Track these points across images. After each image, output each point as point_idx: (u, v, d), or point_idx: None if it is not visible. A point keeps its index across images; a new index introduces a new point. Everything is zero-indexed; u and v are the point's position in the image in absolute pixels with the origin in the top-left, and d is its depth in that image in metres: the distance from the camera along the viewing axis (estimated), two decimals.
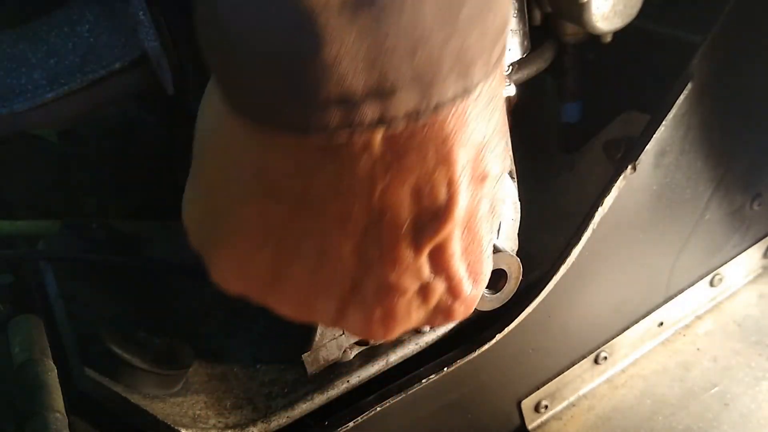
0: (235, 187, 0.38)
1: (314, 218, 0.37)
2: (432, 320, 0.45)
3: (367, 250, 0.38)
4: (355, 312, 0.41)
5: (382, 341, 0.43)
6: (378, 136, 0.33)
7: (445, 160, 0.35)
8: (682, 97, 0.75)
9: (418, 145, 0.34)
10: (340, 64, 0.30)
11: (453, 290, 0.42)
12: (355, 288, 0.40)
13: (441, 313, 0.44)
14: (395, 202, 0.36)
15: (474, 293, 0.43)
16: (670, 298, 0.92)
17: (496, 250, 0.58)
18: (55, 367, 0.57)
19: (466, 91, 0.33)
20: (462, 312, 0.44)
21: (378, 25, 0.29)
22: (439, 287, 0.42)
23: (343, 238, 0.37)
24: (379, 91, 0.31)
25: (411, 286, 0.41)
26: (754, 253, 0.98)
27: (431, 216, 0.37)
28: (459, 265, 0.41)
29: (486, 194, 0.39)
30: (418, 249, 0.39)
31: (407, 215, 0.37)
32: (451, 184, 0.37)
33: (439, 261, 0.40)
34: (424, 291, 0.42)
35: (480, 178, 0.38)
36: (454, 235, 0.39)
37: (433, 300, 0.42)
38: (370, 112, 0.31)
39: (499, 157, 0.39)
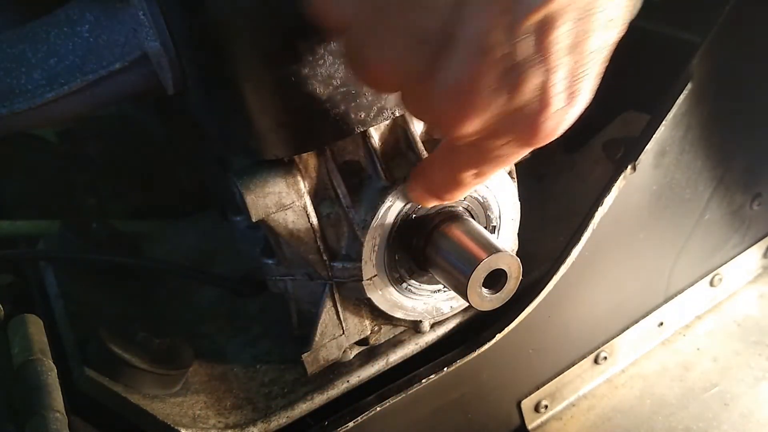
0: None
1: None
2: (509, 128, 0.39)
3: None
4: (438, 80, 0.38)
5: (448, 130, 0.39)
6: None
7: None
8: (682, 97, 0.75)
9: None
10: None
11: (544, 94, 0.38)
12: (446, 45, 0.37)
13: (522, 122, 0.39)
14: None
15: (564, 112, 0.39)
16: (670, 298, 0.92)
17: (496, 249, 0.58)
18: (55, 367, 0.57)
19: None
20: (544, 130, 0.39)
21: None
22: (531, 81, 0.37)
23: None
24: None
25: (502, 61, 0.36)
26: (754, 253, 0.98)
27: None
28: (560, 61, 0.36)
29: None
30: (522, 12, 0.34)
31: None
32: None
33: (541, 43, 0.36)
34: (514, 78, 0.37)
35: None
36: (566, 15, 0.35)
37: (520, 96, 0.38)
38: None
39: None
